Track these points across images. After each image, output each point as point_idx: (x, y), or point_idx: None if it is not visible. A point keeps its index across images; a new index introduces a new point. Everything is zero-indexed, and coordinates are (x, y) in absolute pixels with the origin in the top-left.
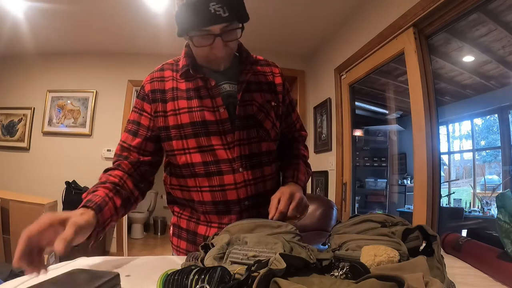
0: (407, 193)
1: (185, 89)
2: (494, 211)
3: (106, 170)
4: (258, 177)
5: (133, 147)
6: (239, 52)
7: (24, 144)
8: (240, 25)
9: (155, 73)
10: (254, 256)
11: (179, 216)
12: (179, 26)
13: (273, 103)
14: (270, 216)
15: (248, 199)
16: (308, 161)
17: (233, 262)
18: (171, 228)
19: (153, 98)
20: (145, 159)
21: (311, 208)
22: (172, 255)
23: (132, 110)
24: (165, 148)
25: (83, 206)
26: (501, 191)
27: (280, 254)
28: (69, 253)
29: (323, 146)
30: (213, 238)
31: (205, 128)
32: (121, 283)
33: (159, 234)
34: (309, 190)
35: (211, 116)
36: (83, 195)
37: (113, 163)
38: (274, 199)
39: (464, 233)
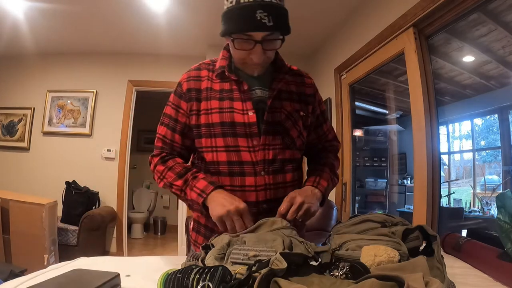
0: (407, 193)
1: (219, 89)
2: (494, 211)
3: (164, 160)
4: (279, 182)
5: (176, 142)
6: (275, 61)
7: (24, 144)
8: (281, 37)
9: (192, 71)
10: (254, 256)
11: None
12: (224, 26)
13: (301, 113)
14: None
15: (267, 203)
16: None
17: (234, 263)
18: (192, 223)
19: (189, 97)
20: (184, 153)
21: None
22: (190, 249)
23: (167, 105)
24: (195, 144)
25: (217, 187)
26: (501, 191)
27: (281, 253)
28: (69, 253)
29: None
30: (213, 238)
31: (233, 129)
32: (121, 283)
33: (159, 234)
34: None
35: (240, 118)
36: (190, 180)
37: (158, 154)
38: (283, 201)
39: (464, 233)
